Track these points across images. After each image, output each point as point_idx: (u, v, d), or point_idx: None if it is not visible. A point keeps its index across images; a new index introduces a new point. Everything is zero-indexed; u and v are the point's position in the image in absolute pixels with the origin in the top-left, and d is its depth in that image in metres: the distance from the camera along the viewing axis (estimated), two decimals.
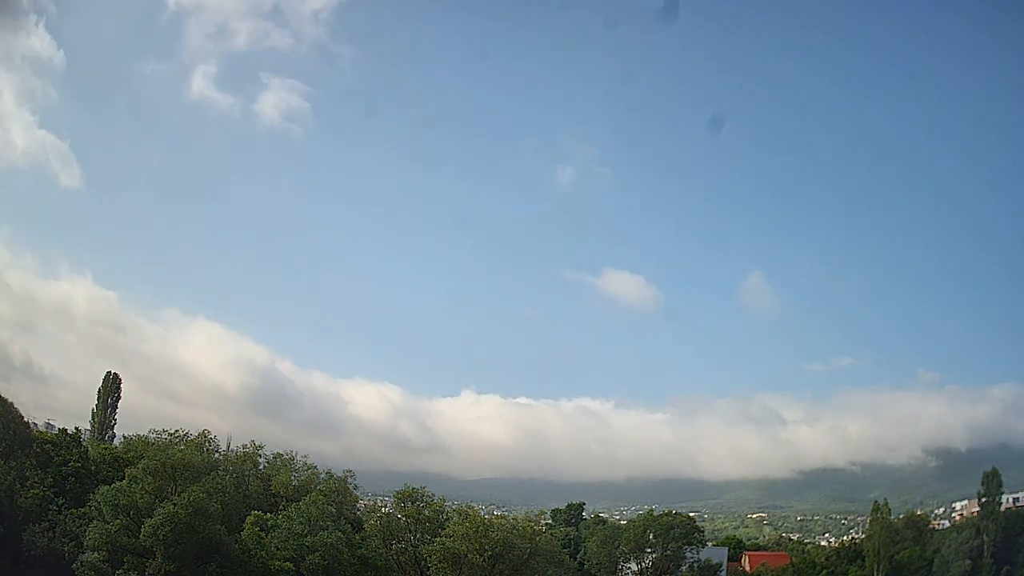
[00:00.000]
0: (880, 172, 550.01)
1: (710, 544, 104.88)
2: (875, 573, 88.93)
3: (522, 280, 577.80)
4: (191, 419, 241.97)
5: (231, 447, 75.63)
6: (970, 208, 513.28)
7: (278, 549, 57.63)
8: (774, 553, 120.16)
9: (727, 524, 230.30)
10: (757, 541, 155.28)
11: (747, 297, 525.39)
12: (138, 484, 53.67)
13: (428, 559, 61.34)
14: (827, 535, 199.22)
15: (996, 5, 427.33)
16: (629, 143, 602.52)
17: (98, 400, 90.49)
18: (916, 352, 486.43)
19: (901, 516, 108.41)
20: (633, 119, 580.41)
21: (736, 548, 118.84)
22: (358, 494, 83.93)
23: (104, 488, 55.00)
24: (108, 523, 53.21)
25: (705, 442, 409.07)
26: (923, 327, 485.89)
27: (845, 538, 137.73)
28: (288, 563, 56.81)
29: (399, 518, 66.13)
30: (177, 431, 63.38)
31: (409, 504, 64.82)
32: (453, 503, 76.41)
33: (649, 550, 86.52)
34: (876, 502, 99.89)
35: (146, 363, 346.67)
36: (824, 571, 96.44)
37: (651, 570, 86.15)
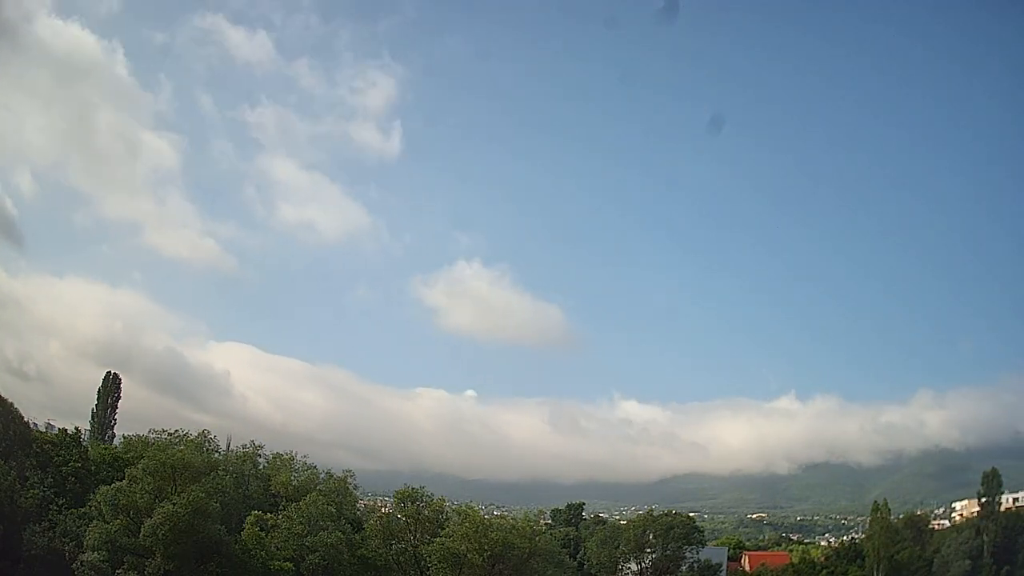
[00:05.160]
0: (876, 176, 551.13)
1: (710, 544, 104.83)
2: (875, 573, 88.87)
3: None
4: None
5: (231, 447, 75.58)
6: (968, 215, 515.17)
7: (278, 549, 57.48)
8: (774, 553, 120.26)
9: (727, 524, 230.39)
10: (757, 541, 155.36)
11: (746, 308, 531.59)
12: (138, 484, 53.55)
13: (428, 559, 61.25)
14: (827, 535, 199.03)
15: (994, 13, 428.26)
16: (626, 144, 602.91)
17: (98, 400, 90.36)
18: (916, 354, 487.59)
19: (901, 516, 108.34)
20: (632, 119, 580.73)
21: (736, 548, 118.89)
22: (358, 494, 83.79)
23: (104, 488, 54.86)
24: (108, 523, 53.12)
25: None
26: (917, 333, 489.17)
27: (845, 538, 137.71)
28: (288, 563, 56.65)
29: (399, 518, 66.00)
30: (177, 431, 63.48)
31: (409, 504, 64.67)
32: (453, 503, 76.27)
33: (649, 550, 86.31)
34: (876, 502, 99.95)
35: None
36: (824, 571, 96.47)
37: (651, 570, 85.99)
